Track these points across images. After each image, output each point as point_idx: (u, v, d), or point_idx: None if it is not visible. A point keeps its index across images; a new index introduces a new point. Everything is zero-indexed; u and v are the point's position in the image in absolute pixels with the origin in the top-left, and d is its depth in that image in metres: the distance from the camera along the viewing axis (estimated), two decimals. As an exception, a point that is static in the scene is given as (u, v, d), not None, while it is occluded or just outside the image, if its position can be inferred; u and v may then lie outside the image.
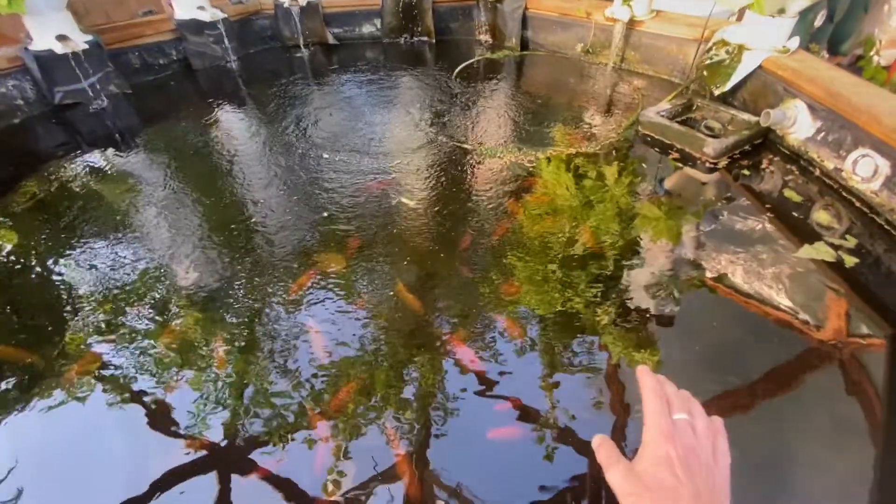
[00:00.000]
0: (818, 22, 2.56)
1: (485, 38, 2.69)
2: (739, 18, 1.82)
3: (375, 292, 1.14)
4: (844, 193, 1.39)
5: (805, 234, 1.29)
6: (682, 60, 2.09)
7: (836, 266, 1.18)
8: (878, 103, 1.34)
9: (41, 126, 1.97)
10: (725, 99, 1.84)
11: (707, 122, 1.76)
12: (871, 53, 2.87)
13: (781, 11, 1.64)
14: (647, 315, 1.07)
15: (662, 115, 1.73)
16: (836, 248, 1.22)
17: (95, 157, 1.78)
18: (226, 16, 2.32)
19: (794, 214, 1.37)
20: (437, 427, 0.87)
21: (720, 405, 0.90)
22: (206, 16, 2.25)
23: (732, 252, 1.25)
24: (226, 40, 2.36)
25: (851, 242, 1.24)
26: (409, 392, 0.93)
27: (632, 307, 1.09)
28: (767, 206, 1.40)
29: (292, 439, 0.86)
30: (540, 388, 0.93)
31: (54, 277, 1.24)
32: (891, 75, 2.85)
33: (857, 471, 0.80)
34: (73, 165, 1.73)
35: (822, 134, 1.47)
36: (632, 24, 2.15)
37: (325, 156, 1.70)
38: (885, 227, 1.27)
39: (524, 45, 2.56)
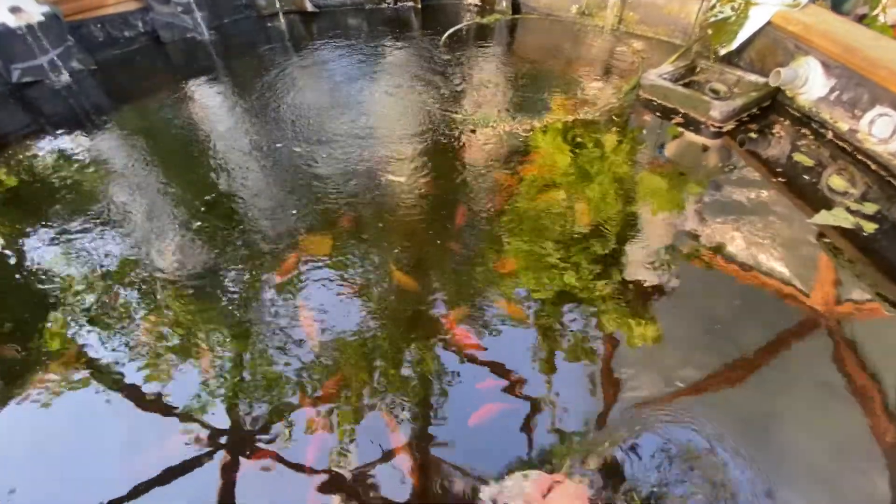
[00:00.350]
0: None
1: (474, 1, 2.53)
2: (746, -29, 1.69)
3: (366, 274, 1.07)
4: (859, 156, 1.31)
5: (818, 200, 1.22)
6: (685, 19, 1.96)
7: (854, 233, 1.11)
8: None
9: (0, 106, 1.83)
10: (731, 59, 1.73)
11: (712, 85, 1.66)
12: (876, 12, 2.74)
13: (792, -39, 1.52)
14: (649, 288, 1.01)
15: (665, 78, 1.62)
16: (853, 213, 1.15)
17: (61, 139, 1.65)
18: (194, -18, 2.15)
19: (807, 179, 1.29)
20: (433, 409, 0.81)
21: (732, 372, 0.84)
22: (172, -18, 2.07)
23: (743, 221, 1.17)
24: (195, 10, 2.19)
25: (870, 208, 1.16)
26: (406, 373, 0.86)
27: (632, 280, 1.02)
28: (777, 171, 1.32)
29: (289, 424, 0.80)
30: (533, 366, 0.87)
31: (24, 267, 1.14)
32: (896, 33, 2.73)
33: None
34: (37, 148, 1.61)
35: (836, 93, 1.38)
36: (630, -19, 2.01)
37: (307, 132, 1.58)
38: (904, 190, 1.20)
39: (516, 8, 2.42)
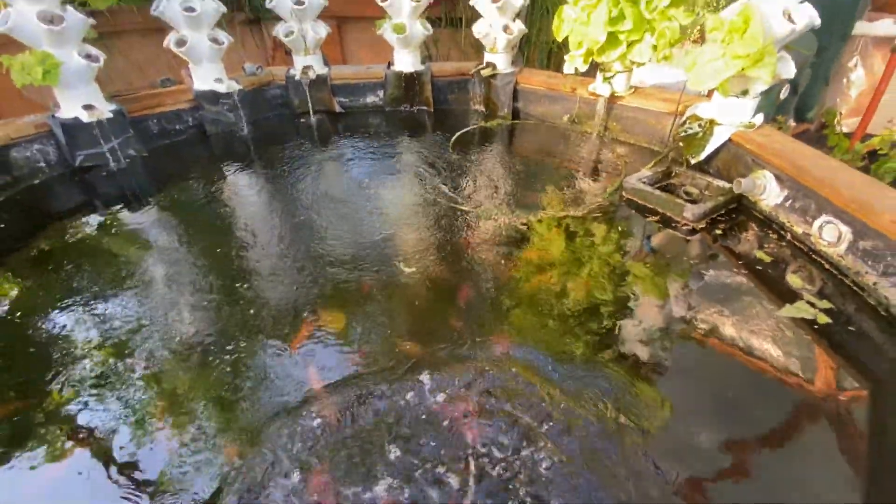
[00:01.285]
0: (783, 94, 2.82)
1: (479, 107, 2.90)
2: (709, 96, 2.01)
3: (374, 348, 1.20)
4: (814, 256, 1.50)
5: (783, 292, 1.38)
6: (661, 131, 2.28)
7: (814, 323, 1.26)
8: (838, 175, 1.49)
9: (60, 186, 2.08)
10: (702, 167, 2.00)
11: (686, 188, 1.90)
12: (834, 123, 3.13)
13: (745, 93, 1.84)
14: (639, 369, 1.13)
15: (644, 182, 1.87)
16: (812, 306, 1.31)
17: (107, 216, 1.88)
18: (241, 87, 2.52)
19: (771, 274, 1.47)
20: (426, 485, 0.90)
21: (712, 458, 0.94)
22: (222, 87, 2.43)
23: (716, 309, 1.33)
24: (239, 108, 2.54)
25: (824, 303, 1.33)
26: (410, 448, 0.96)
27: (623, 360, 1.15)
28: (745, 266, 1.50)
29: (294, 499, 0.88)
30: (522, 442, 0.97)
31: (50, 329, 1.28)
32: (853, 142, 3.10)
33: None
34: (84, 223, 1.83)
35: (790, 201, 1.61)
36: (612, 98, 2.36)
37: (326, 217, 1.80)
38: (854, 288, 1.36)
39: (515, 114, 2.78)
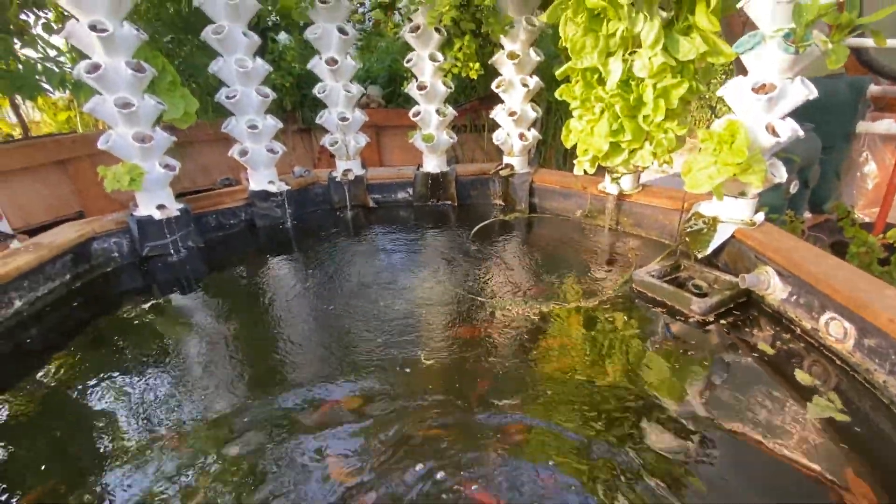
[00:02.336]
0: (793, 189, 2.94)
1: (499, 202, 3.16)
2: (710, 196, 2.16)
3: (394, 430, 1.27)
4: (825, 351, 1.52)
5: (797, 387, 1.40)
6: (670, 225, 2.41)
7: (833, 421, 1.26)
8: (836, 272, 1.55)
9: (127, 274, 2.37)
10: (710, 261, 2.09)
11: (694, 281, 1.98)
12: (847, 216, 3.19)
13: (742, 194, 1.98)
14: (662, 464, 1.15)
15: (652, 275, 1.98)
16: (830, 403, 1.32)
17: (161, 300, 2.13)
18: (289, 187, 2.87)
19: (784, 369, 1.49)
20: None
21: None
22: (274, 188, 2.79)
23: (732, 404, 1.35)
24: (286, 205, 2.88)
25: (839, 400, 1.33)
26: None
27: (645, 450, 1.18)
28: (757, 359, 1.53)
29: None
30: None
31: (90, 407, 1.44)
32: (875, 233, 3.12)
33: None
34: (142, 307, 2.07)
35: (795, 297, 1.66)
36: (621, 196, 2.54)
37: (354, 305, 1.97)
38: (866, 385, 1.37)
39: (532, 209, 3.00)
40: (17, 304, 1.93)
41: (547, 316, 1.82)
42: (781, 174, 1.91)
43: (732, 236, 1.99)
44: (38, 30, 3.02)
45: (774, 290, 1.73)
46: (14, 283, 1.91)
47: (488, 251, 2.48)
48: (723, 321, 1.76)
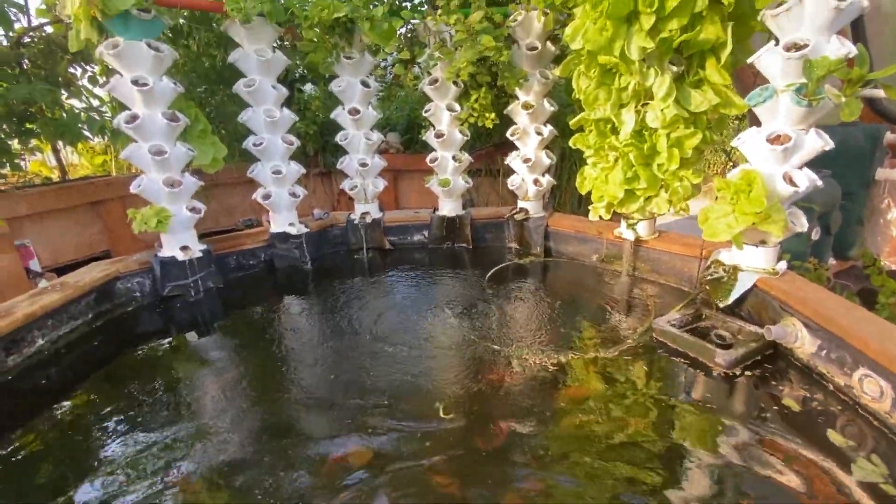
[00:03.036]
0: (815, 236, 2.89)
1: (514, 245, 3.17)
2: (730, 243, 2.14)
3: (408, 490, 1.23)
4: (861, 411, 1.44)
5: (832, 449, 1.31)
6: (689, 272, 2.38)
7: (875, 488, 1.18)
8: (866, 327, 1.50)
9: (146, 313, 2.42)
10: (732, 310, 2.04)
11: (717, 331, 1.93)
12: (873, 264, 3.10)
13: (763, 242, 1.96)
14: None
15: (673, 325, 1.93)
16: (874, 465, 1.24)
17: (178, 341, 2.15)
18: (309, 229, 2.94)
19: (817, 428, 1.40)
20: None
21: None
22: (293, 230, 2.86)
23: (763, 465, 1.27)
24: (304, 246, 2.93)
25: (882, 465, 1.24)
26: None
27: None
28: (788, 417, 1.46)
29: None
30: None
31: (97, 443, 1.42)
32: (905, 281, 3.01)
33: None
34: (158, 347, 2.09)
35: (825, 351, 1.60)
36: (638, 241, 2.53)
37: (368, 349, 1.96)
38: (910, 450, 1.28)
39: (547, 252, 3.00)
40: (40, 342, 1.97)
41: (565, 366, 1.77)
42: (802, 223, 1.89)
43: (755, 285, 1.95)
44: (84, 81, 3.26)
45: (803, 343, 1.67)
46: (38, 322, 1.95)
47: (504, 295, 2.46)
48: (749, 373, 1.69)
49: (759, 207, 1.73)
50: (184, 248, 2.49)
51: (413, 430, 1.45)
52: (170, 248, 2.49)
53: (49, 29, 2.98)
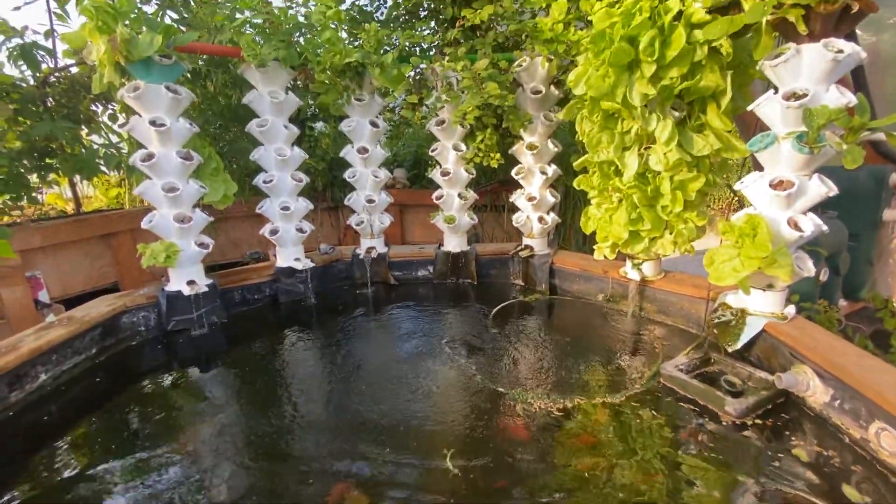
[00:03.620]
0: (823, 277, 2.86)
1: (518, 282, 3.16)
2: (737, 287, 2.12)
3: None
4: (878, 466, 1.38)
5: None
6: (696, 314, 2.35)
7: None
8: (881, 377, 1.46)
9: (150, 348, 2.41)
10: (742, 355, 2.00)
11: (727, 377, 1.88)
12: (885, 307, 3.05)
13: (770, 286, 1.94)
14: None
15: (681, 370, 1.89)
16: None
17: (180, 377, 2.14)
18: (314, 264, 2.96)
19: (832, 482, 1.35)
20: None
21: None
22: (299, 265, 2.88)
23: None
24: (309, 281, 2.95)
25: (901, 530, 1.19)
26: None
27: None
28: (802, 471, 1.40)
29: None
30: None
31: (97, 490, 1.39)
32: (918, 325, 2.95)
33: None
34: (160, 383, 2.08)
35: (838, 401, 1.55)
36: (644, 282, 2.52)
37: (370, 389, 1.93)
38: (934, 513, 1.22)
39: (552, 290, 2.99)
40: (42, 377, 1.96)
41: (571, 411, 1.73)
42: (809, 268, 1.88)
43: (763, 330, 1.92)
44: (104, 118, 3.39)
45: (815, 392, 1.63)
46: (43, 358, 1.95)
47: (508, 334, 2.44)
48: (760, 422, 1.64)
49: (764, 252, 1.73)
50: (190, 283, 2.51)
51: (413, 475, 1.41)
52: (177, 283, 2.51)
53: (74, 69, 3.12)
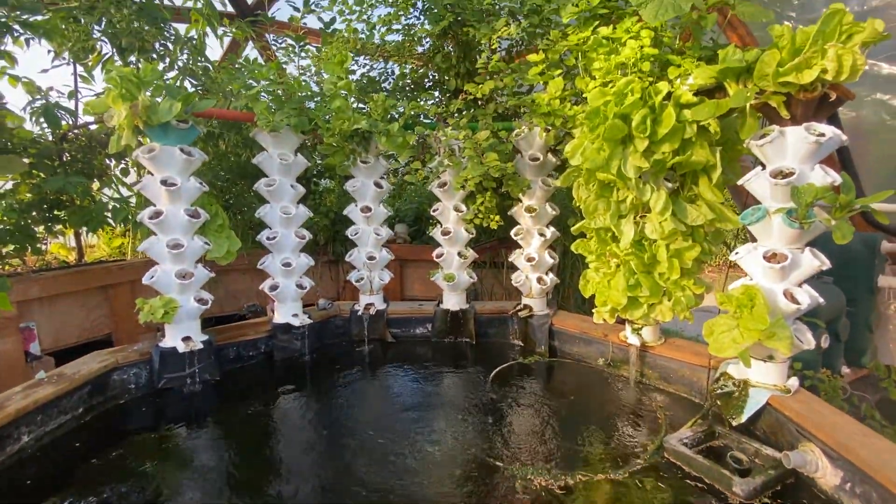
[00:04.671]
0: (824, 343, 2.84)
1: (518, 342, 3.13)
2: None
3: None
4: (899, 562, 1.31)
5: None
6: (698, 383, 2.31)
7: None
8: (889, 460, 1.42)
9: (138, 407, 2.34)
10: (747, 428, 1.94)
11: (733, 453, 1.82)
12: (889, 376, 3.01)
13: (771, 358, 1.92)
14: None
15: (685, 444, 1.83)
16: None
17: (167, 439, 2.06)
18: (312, 320, 2.94)
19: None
20: None
21: None
22: (297, 321, 2.86)
23: None
24: (306, 337, 2.91)
25: None
26: None
27: None
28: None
29: None
30: None
31: None
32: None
33: None
34: (146, 446, 2.00)
35: (849, 484, 1.50)
36: (644, 347, 2.50)
37: (362, 455, 1.86)
38: None
39: (552, 352, 2.95)
40: (25, 439, 1.89)
41: (573, 489, 1.66)
42: (809, 340, 1.88)
43: (768, 403, 1.88)
44: (117, 171, 3.49)
45: (825, 473, 1.57)
46: (27, 418, 1.89)
47: (508, 401, 2.38)
48: (770, 503, 1.57)
49: (762, 325, 1.74)
50: (186, 339, 2.48)
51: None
52: (172, 339, 2.48)
53: (93, 125, 3.27)
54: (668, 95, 2.01)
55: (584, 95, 2.33)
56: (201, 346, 2.51)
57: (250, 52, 4.75)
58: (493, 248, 4.04)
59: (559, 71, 2.50)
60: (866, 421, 2.50)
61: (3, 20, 2.70)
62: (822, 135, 1.74)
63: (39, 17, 2.86)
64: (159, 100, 2.27)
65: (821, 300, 1.86)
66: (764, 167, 1.91)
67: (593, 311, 2.55)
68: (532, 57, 2.53)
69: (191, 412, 2.32)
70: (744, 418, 1.90)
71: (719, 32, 3.28)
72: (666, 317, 2.28)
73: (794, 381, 1.92)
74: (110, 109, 2.25)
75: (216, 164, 3.60)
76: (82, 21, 2.94)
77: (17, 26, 2.76)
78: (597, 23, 2.36)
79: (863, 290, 3.27)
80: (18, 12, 2.71)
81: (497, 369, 2.72)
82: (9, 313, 2.68)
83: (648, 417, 2.20)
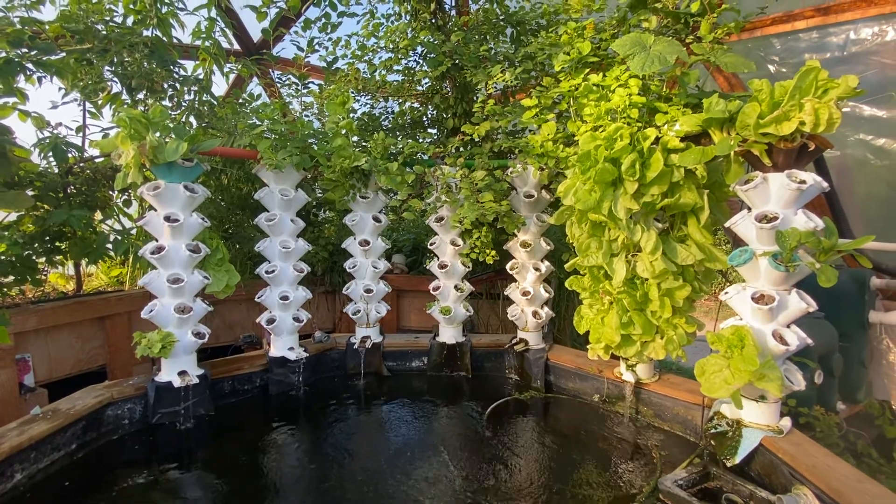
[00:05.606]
0: (818, 379, 2.86)
1: (514, 376, 3.13)
2: (730, 394, 2.11)
3: None
4: None
5: None
6: (692, 421, 2.32)
7: None
8: (883, 507, 1.42)
9: (131, 442, 2.33)
10: (742, 469, 1.94)
11: (728, 496, 1.82)
12: (883, 415, 3.01)
13: (762, 398, 1.94)
14: None
15: (680, 485, 1.83)
16: None
17: (157, 477, 2.05)
18: (308, 354, 2.95)
19: None
20: None
21: None
22: (292, 355, 2.87)
23: None
24: (301, 371, 2.91)
25: None
26: None
27: None
28: None
29: None
30: None
31: None
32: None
33: None
34: (136, 484, 1.98)
35: (844, 532, 1.50)
36: (639, 384, 2.51)
37: (358, 485, 1.85)
38: None
39: (548, 387, 2.95)
40: (18, 477, 1.87)
41: (567, 534, 1.65)
42: (799, 381, 1.90)
43: (761, 444, 1.89)
44: (119, 202, 3.55)
45: (819, 529, 1.57)
46: (21, 455, 1.88)
47: (503, 438, 2.37)
48: (768, 553, 1.56)
49: (752, 366, 1.76)
50: (181, 374, 2.48)
51: None
52: (168, 373, 2.48)
53: (98, 158, 3.34)
54: (657, 140, 2.10)
55: (576, 138, 2.43)
56: (196, 380, 2.51)
57: (255, 87, 4.90)
58: (489, 279, 4.08)
59: (551, 115, 2.60)
60: (862, 459, 2.50)
61: (16, 59, 2.80)
62: (804, 182, 1.81)
63: (52, 57, 2.97)
64: (167, 140, 2.35)
65: (809, 341, 1.90)
66: (750, 210, 1.98)
67: (588, 346, 2.57)
68: (526, 101, 2.64)
69: (182, 450, 2.31)
70: (738, 459, 1.90)
71: (707, 76, 3.43)
72: (659, 354, 2.30)
73: (786, 422, 1.94)
74: (118, 149, 2.33)
75: (217, 196, 3.67)
76: (95, 62, 3.05)
77: (29, 65, 2.86)
78: (587, 70, 2.48)
79: (855, 326, 3.31)
80: (34, 52, 2.82)
81: (492, 406, 2.72)
82: (5, 345, 2.68)
83: (644, 456, 2.20)
